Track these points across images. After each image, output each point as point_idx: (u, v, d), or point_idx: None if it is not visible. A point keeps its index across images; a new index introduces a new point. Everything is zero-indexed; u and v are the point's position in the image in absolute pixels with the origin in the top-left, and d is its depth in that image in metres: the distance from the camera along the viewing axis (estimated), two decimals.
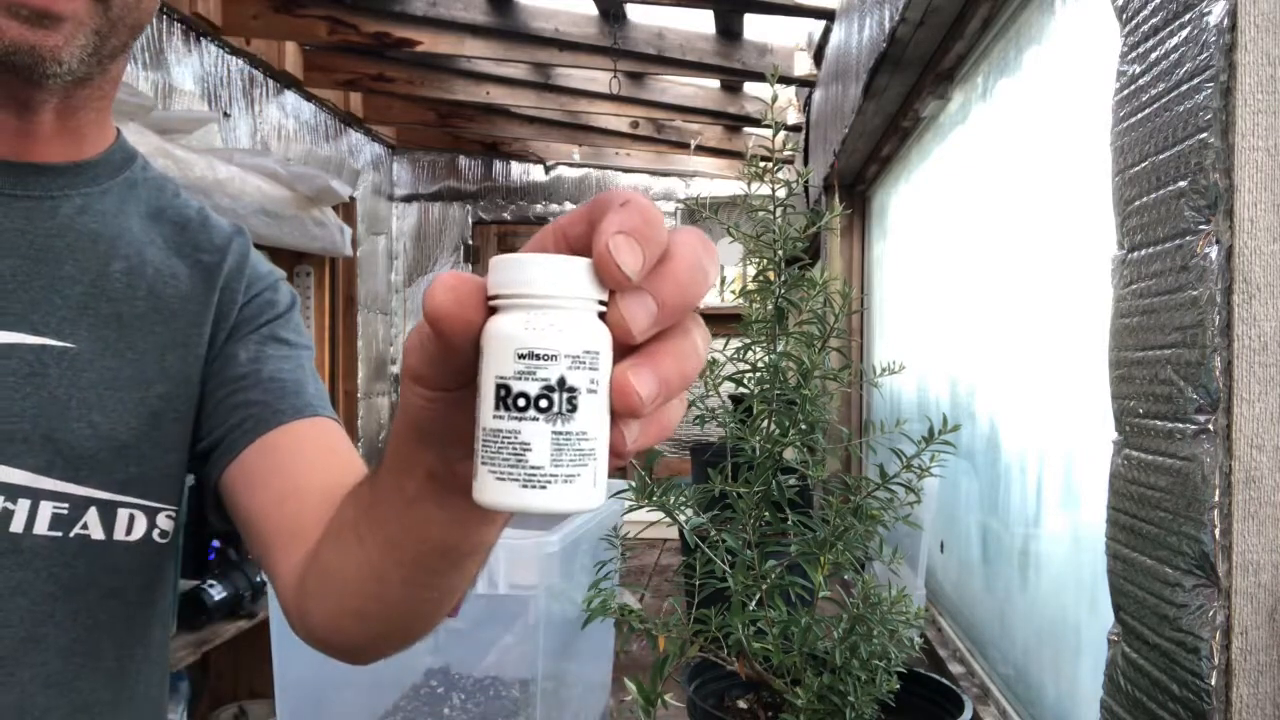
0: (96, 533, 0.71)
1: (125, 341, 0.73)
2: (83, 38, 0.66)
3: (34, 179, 0.72)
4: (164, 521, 0.76)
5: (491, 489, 0.37)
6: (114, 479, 0.72)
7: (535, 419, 0.36)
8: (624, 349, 0.37)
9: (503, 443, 0.36)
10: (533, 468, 0.36)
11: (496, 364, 0.37)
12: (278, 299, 0.83)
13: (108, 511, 0.72)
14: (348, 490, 0.67)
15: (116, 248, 0.75)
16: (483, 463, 0.37)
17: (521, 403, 0.36)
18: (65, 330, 0.71)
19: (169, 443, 0.76)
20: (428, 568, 0.56)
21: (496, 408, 0.37)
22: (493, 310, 0.37)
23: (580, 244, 0.38)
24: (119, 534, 0.72)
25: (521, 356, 0.36)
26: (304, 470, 0.74)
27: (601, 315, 0.37)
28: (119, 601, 0.74)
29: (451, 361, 0.39)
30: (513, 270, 0.37)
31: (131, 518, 0.73)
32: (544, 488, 0.36)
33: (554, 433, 0.36)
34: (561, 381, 0.36)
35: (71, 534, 0.70)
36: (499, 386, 0.36)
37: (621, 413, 0.38)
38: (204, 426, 0.77)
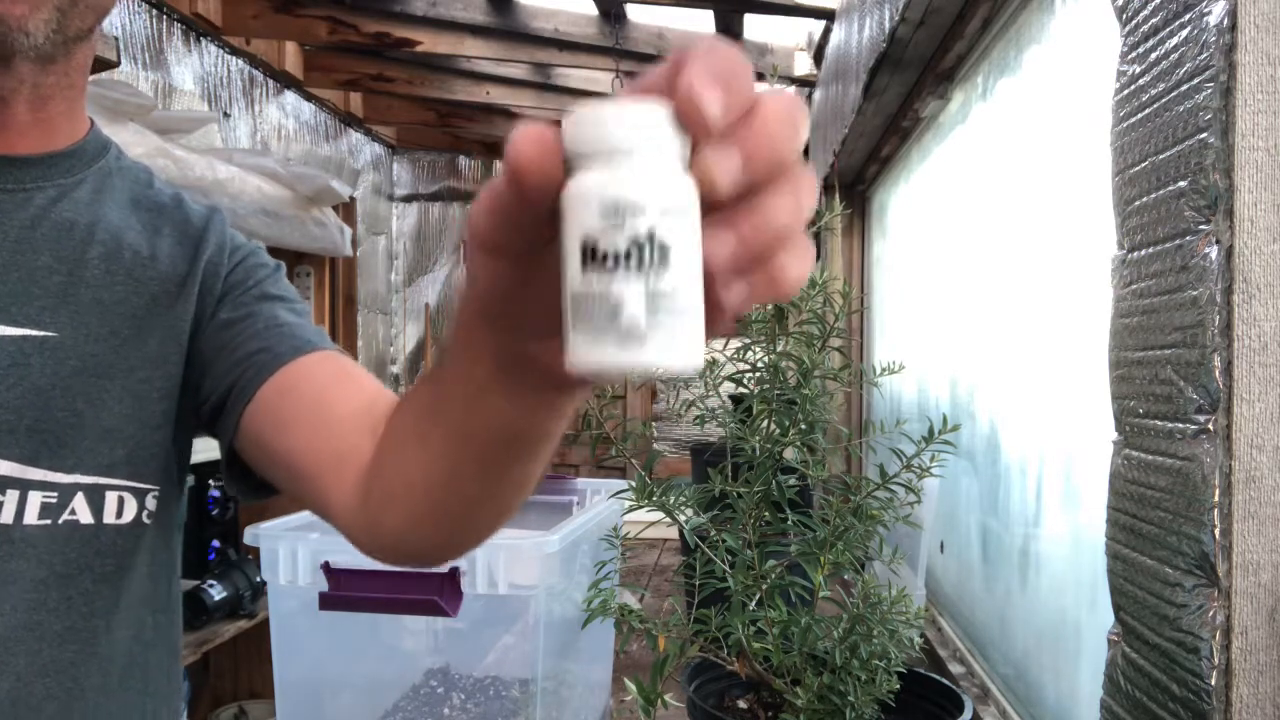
0: (85, 517, 0.72)
1: (107, 327, 0.74)
2: (47, 11, 0.67)
3: (7, 171, 0.73)
4: (152, 503, 0.76)
5: (585, 351, 0.35)
6: (100, 463, 0.72)
7: (626, 275, 0.34)
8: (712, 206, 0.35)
9: (593, 304, 0.34)
10: (628, 326, 0.34)
11: (580, 222, 0.34)
12: (262, 261, 0.84)
13: (95, 495, 0.72)
14: (381, 408, 0.68)
15: (93, 234, 0.75)
16: (573, 328, 0.35)
17: (610, 259, 0.34)
18: (45, 319, 0.71)
19: (155, 421, 0.76)
20: (498, 458, 0.56)
21: (584, 267, 0.34)
22: (569, 170, 0.35)
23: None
24: (108, 517, 0.73)
25: (607, 210, 0.34)
26: (329, 399, 0.74)
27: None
28: (113, 587, 0.74)
29: (529, 221, 0.37)
30: (589, 124, 0.35)
31: (120, 500, 0.74)
32: (641, 344, 0.34)
33: (647, 289, 0.34)
34: (651, 234, 0.34)
35: (60, 520, 0.70)
36: (584, 245, 0.34)
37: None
38: (207, 386, 0.78)
